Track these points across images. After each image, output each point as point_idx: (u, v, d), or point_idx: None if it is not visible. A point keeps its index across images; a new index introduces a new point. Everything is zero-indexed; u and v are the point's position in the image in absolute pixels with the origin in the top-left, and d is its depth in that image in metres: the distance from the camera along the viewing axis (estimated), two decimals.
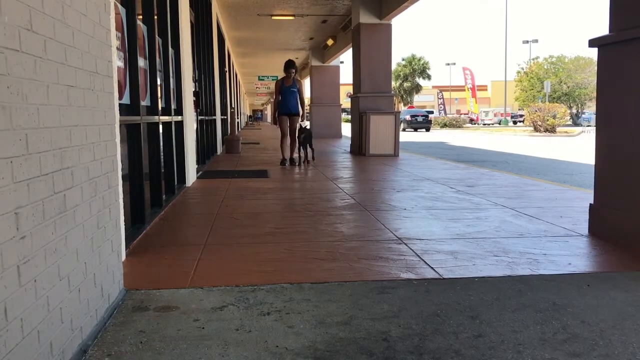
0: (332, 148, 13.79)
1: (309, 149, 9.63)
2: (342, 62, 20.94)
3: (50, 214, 1.71)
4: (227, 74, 16.01)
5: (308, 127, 9.59)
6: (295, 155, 9.50)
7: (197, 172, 7.52)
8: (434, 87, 68.10)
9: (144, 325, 2.22)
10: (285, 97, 9.13)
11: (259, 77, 32.61)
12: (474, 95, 52.41)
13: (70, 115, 1.91)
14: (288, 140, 9.27)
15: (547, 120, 27.01)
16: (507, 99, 50.14)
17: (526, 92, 50.82)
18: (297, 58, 24.17)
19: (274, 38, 17.68)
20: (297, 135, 9.37)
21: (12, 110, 1.46)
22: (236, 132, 13.40)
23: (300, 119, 9.27)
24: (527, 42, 55.78)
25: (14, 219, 1.47)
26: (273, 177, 7.41)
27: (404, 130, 32.46)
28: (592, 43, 3.73)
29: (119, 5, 3.73)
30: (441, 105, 55.34)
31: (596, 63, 3.76)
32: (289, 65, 9.12)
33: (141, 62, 4.35)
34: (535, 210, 4.72)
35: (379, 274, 2.93)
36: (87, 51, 2.12)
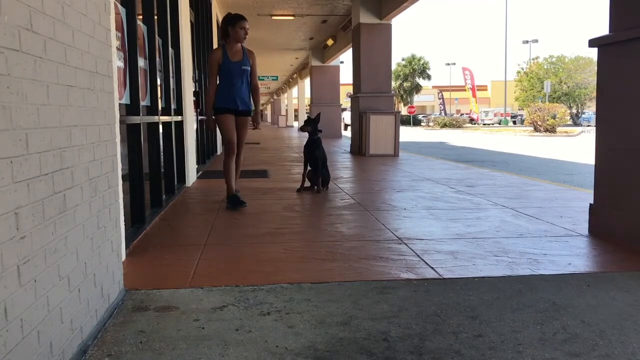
0: (332, 148, 13.78)
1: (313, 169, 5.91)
2: (342, 62, 20.97)
3: (50, 214, 1.71)
4: None
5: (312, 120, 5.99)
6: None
7: (197, 172, 7.52)
8: (434, 87, 68.04)
9: (144, 325, 2.22)
10: (228, 79, 5.10)
11: (258, 77, 32.53)
12: (474, 96, 52.40)
13: (70, 115, 1.91)
14: (234, 160, 5.13)
15: (547, 120, 27.01)
16: (507, 99, 50.13)
17: (526, 92, 50.81)
18: (296, 58, 24.19)
19: (274, 38, 17.68)
20: (306, 143, 5.94)
21: (12, 110, 1.46)
22: None
23: (255, 123, 5.35)
24: (527, 42, 55.78)
25: (14, 219, 1.47)
26: (273, 177, 7.40)
27: None
28: (592, 43, 3.73)
29: (119, 5, 3.73)
30: (441, 105, 55.34)
31: (596, 63, 3.76)
32: (233, 20, 4.91)
33: (141, 62, 4.35)
34: (535, 210, 4.72)
35: (379, 274, 2.93)
36: (87, 51, 2.12)
